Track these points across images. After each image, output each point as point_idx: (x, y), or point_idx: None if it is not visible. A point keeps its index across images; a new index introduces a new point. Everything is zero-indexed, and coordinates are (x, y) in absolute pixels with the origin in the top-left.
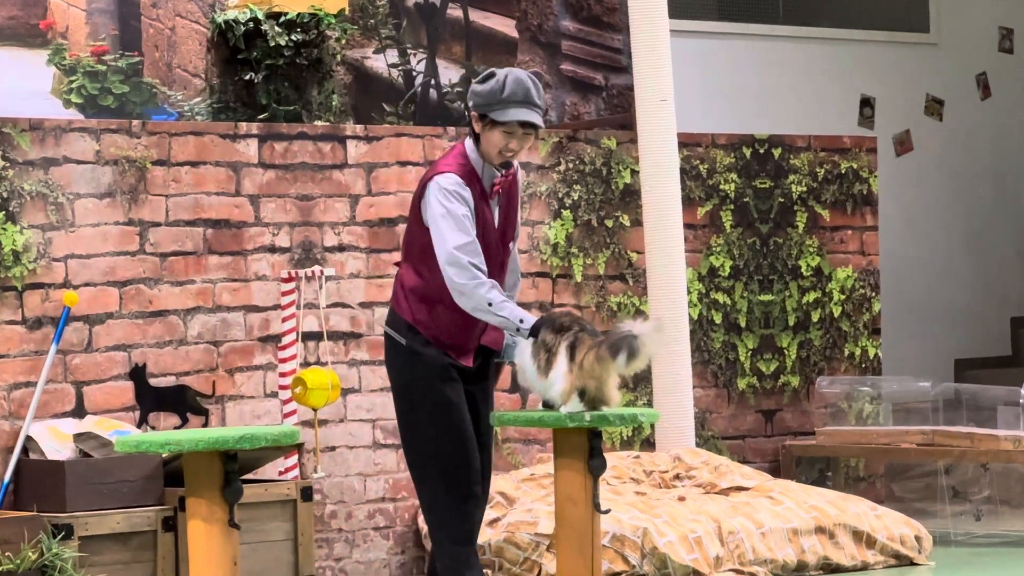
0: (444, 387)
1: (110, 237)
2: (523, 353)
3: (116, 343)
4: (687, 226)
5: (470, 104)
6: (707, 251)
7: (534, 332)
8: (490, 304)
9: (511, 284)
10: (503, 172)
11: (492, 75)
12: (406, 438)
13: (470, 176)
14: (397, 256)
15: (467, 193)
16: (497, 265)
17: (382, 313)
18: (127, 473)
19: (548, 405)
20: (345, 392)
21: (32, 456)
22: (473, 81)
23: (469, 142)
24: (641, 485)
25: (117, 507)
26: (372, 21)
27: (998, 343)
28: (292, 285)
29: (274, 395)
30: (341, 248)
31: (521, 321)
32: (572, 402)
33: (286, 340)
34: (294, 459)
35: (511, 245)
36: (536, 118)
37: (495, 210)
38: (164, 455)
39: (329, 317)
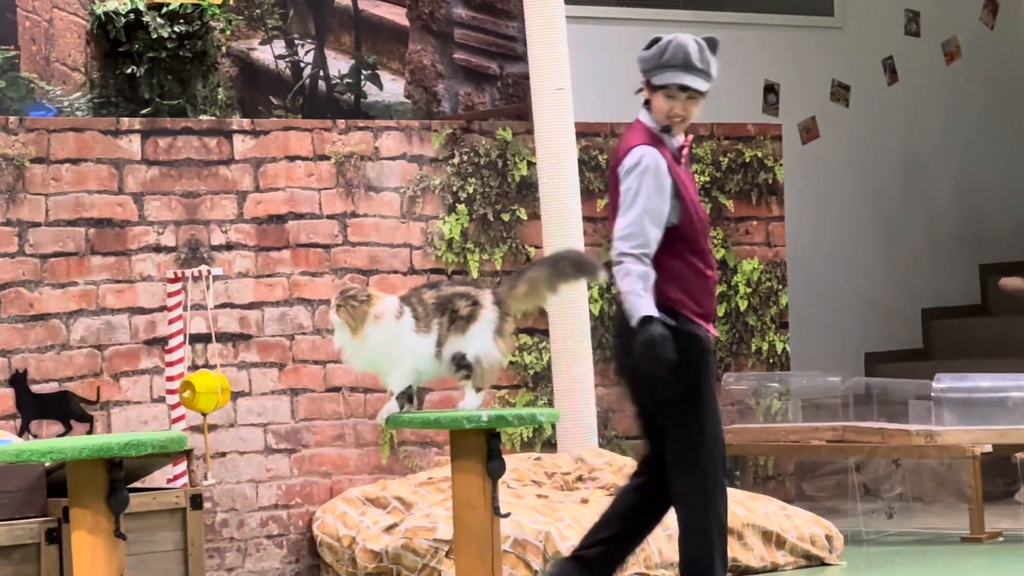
0: (712, 364)
1: None
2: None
3: None
4: (586, 219)
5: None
6: (607, 245)
7: (642, 324)
8: (628, 291)
9: None
10: (684, 137)
11: (657, 40)
12: (684, 423)
13: (658, 145)
14: (287, 254)
15: (661, 163)
16: (704, 228)
17: (272, 313)
18: (8, 484)
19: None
20: (235, 396)
21: None
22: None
23: (643, 112)
24: (542, 488)
25: None
26: (258, 11)
27: (909, 336)
28: (178, 286)
29: (161, 400)
30: (229, 247)
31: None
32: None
33: (173, 343)
34: (183, 466)
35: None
36: (695, 81)
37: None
38: (46, 464)
39: (217, 318)
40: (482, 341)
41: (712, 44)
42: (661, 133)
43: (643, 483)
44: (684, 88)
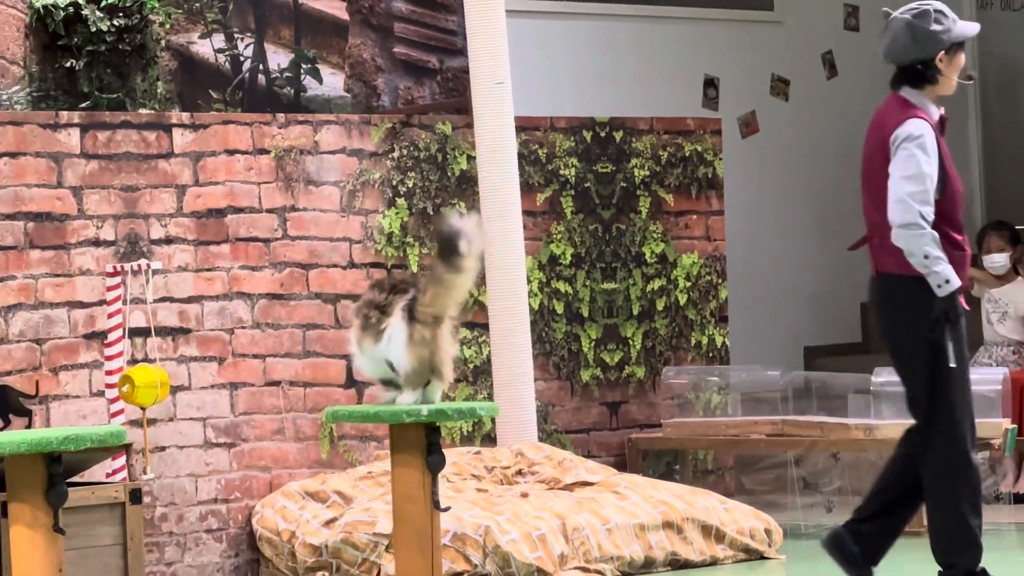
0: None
1: None
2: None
3: None
4: (526, 213)
5: None
6: (547, 238)
7: (945, 298)
8: (926, 256)
9: None
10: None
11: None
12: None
13: (930, 119)
14: (226, 248)
15: (932, 134)
16: (963, 204)
17: (211, 307)
18: None
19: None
20: (174, 390)
21: None
22: None
23: (908, 91)
24: (482, 482)
25: None
26: (197, 4)
27: (848, 330)
28: (118, 280)
29: (100, 394)
30: (168, 240)
31: (947, 282)
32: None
33: (112, 337)
34: (122, 460)
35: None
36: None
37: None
38: None
39: (157, 312)
40: (395, 347)
41: (925, 17)
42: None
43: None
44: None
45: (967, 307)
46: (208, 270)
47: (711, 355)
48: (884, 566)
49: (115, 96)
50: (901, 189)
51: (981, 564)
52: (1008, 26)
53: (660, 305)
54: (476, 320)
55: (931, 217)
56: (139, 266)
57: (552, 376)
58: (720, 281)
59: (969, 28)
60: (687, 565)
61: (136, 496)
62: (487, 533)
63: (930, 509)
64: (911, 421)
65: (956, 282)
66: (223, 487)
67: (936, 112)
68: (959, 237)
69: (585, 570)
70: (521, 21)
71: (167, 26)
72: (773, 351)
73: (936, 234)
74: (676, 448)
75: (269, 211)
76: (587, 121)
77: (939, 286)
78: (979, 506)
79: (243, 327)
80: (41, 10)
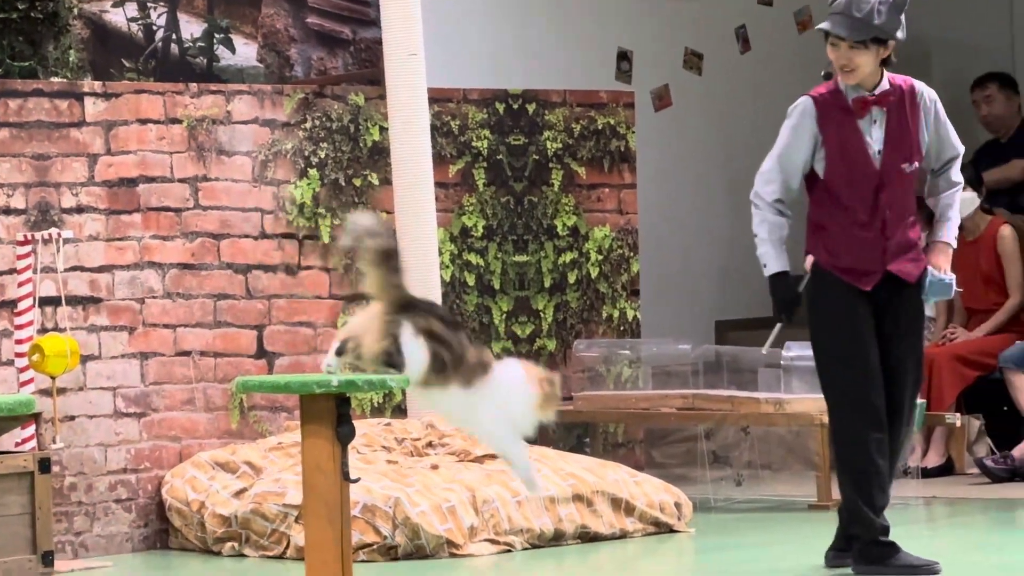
0: (837, 311)
1: None
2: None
3: None
4: (438, 184)
5: None
6: (459, 210)
7: (772, 280)
8: (755, 234)
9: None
10: (872, 92)
11: None
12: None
13: (828, 98)
14: (138, 217)
15: (806, 114)
16: (872, 184)
17: (122, 276)
18: None
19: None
20: (84, 359)
21: None
22: None
23: None
24: (392, 453)
25: None
26: None
27: (759, 304)
28: (28, 248)
29: (10, 363)
30: (79, 209)
31: (764, 266)
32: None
33: (22, 306)
34: (31, 429)
35: (907, 167)
36: (836, 27)
37: (872, 129)
38: None
39: (67, 281)
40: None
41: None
42: (847, 89)
43: None
44: (838, 37)
45: (868, 287)
46: (119, 239)
47: (622, 328)
48: (792, 537)
49: (27, 64)
50: (761, 166)
51: (888, 537)
52: None
53: (572, 278)
54: None
55: (770, 197)
56: (50, 235)
57: None
58: (632, 255)
59: (824, 23)
60: (597, 538)
61: (45, 466)
62: (397, 505)
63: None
64: (821, 396)
65: (773, 267)
66: (133, 457)
67: (851, 93)
68: (849, 218)
69: (495, 542)
70: None
71: None
72: (684, 325)
73: (774, 216)
74: (587, 421)
75: (181, 181)
76: (500, 93)
77: (764, 266)
78: (863, 483)
79: (154, 297)
80: None
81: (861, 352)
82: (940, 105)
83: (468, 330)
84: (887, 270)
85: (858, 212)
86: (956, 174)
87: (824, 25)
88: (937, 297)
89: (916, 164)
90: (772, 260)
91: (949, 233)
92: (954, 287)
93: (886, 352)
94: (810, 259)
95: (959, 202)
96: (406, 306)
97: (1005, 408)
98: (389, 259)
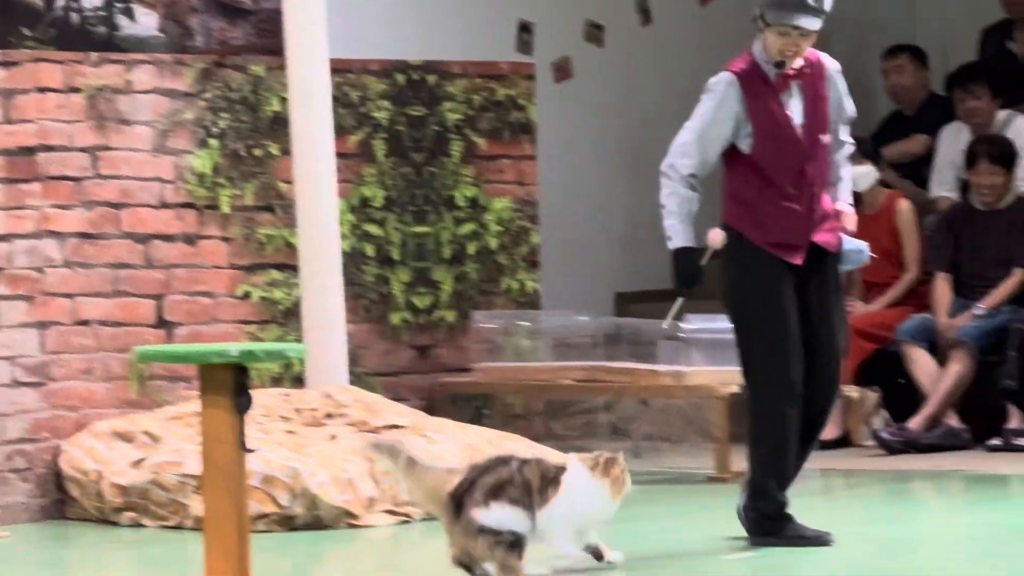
0: (765, 286)
1: None
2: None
3: None
4: (338, 155)
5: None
6: (359, 181)
7: (676, 253)
8: (663, 205)
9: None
10: (789, 67)
11: None
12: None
13: (750, 74)
14: (37, 186)
15: (730, 90)
16: (799, 158)
17: (21, 245)
18: None
19: None
20: None
21: None
22: None
23: (757, 42)
24: (291, 424)
25: None
26: None
27: (659, 276)
28: None
29: None
30: None
31: (669, 239)
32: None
33: None
34: None
35: (824, 138)
36: (805, 21)
37: (792, 103)
38: None
39: None
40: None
41: None
42: (767, 65)
43: None
44: (797, 27)
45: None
46: (18, 208)
47: (522, 300)
48: (690, 509)
49: None
50: (676, 138)
51: (786, 510)
52: None
53: (471, 249)
54: (287, 262)
55: (685, 171)
56: None
57: (362, 319)
58: (532, 226)
59: (787, 17)
60: None
61: None
62: (295, 475)
63: None
64: (721, 368)
65: (679, 241)
66: (31, 427)
67: (769, 68)
68: (777, 192)
69: (393, 513)
70: None
71: None
72: (584, 297)
73: (685, 190)
74: (486, 392)
75: (81, 150)
76: (400, 64)
77: (669, 239)
78: (776, 459)
79: (53, 266)
80: None
81: (785, 328)
82: (841, 74)
83: (519, 459)
84: (811, 241)
85: (785, 186)
86: (846, 134)
87: (787, 19)
88: (854, 265)
89: (830, 135)
90: (678, 234)
91: (845, 193)
92: (868, 253)
93: (812, 323)
94: (718, 233)
95: (849, 161)
96: (457, 496)
97: (901, 381)
98: (412, 464)
